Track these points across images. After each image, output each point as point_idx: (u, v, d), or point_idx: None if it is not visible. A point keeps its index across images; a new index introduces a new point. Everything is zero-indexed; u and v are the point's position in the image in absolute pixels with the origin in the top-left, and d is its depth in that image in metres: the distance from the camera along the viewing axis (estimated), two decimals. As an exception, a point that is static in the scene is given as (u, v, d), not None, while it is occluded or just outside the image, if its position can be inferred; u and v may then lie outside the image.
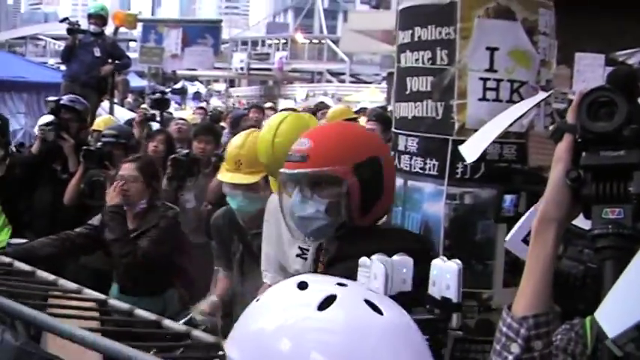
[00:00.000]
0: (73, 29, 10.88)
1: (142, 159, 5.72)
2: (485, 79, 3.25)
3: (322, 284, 1.56)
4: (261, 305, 1.55)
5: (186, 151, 6.98)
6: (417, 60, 3.40)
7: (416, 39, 3.40)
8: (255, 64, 43.03)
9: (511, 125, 3.08)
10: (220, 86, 39.29)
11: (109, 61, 11.03)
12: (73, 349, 3.66)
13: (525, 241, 2.01)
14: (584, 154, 1.75)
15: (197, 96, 28.17)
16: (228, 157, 4.58)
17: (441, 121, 3.29)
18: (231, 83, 42.30)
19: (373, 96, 29.42)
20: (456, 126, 3.27)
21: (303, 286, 1.53)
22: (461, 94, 3.27)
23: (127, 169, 5.41)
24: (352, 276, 2.33)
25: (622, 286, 1.64)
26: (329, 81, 41.78)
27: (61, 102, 7.73)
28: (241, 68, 41.32)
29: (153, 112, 9.80)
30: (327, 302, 1.48)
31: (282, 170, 2.93)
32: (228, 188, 4.53)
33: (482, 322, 3.22)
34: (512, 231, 2.02)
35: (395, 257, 1.92)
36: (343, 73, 42.83)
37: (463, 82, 3.26)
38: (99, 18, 11.18)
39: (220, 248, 4.88)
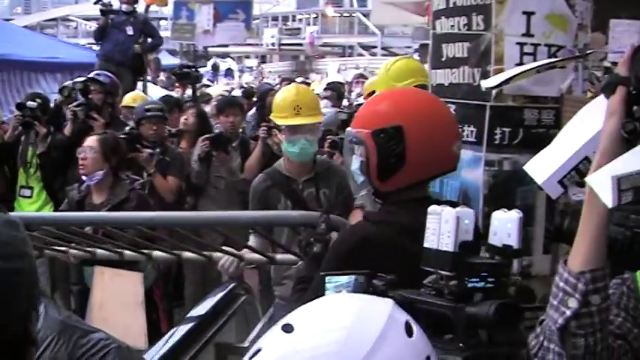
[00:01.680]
0: (106, 10, 10.93)
1: (106, 135, 5.96)
2: (522, 44, 3.22)
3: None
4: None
5: (218, 131, 6.99)
6: (452, 26, 3.38)
7: (451, 5, 3.38)
8: (286, 40, 42.83)
9: (538, 71, 3.08)
10: (252, 62, 39.19)
11: (142, 39, 11.05)
12: (116, 322, 3.71)
13: (561, 182, 1.99)
14: (636, 107, 1.73)
15: (229, 72, 28.12)
16: (284, 105, 4.96)
17: (478, 88, 3.26)
18: (263, 59, 42.23)
19: (405, 68, 29.18)
20: (494, 92, 3.23)
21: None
22: (498, 59, 3.24)
23: (89, 141, 5.74)
24: None
25: None
26: (360, 54, 41.52)
27: (87, 76, 7.84)
28: (272, 44, 41.18)
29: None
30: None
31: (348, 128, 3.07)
32: (289, 133, 4.85)
33: (522, 289, 3.21)
34: (549, 171, 1.99)
35: (458, 209, 1.92)
36: (375, 47, 42.50)
37: (500, 47, 3.23)
38: (130, -4, 11.19)
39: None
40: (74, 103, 7.44)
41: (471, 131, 3.31)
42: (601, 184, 1.68)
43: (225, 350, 4.55)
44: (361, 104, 8.02)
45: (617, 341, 1.95)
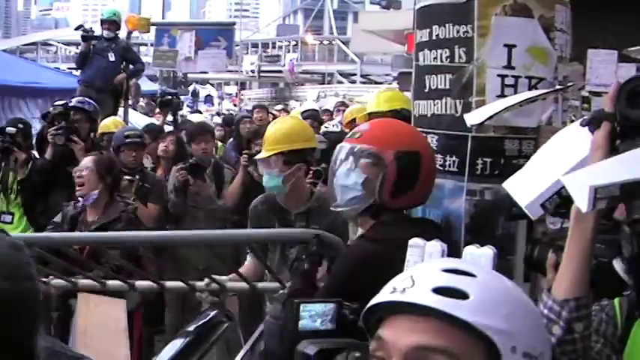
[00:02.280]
0: (88, 36, 10.93)
1: (101, 155, 6.04)
2: (503, 76, 3.28)
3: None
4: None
5: (194, 160, 6.89)
6: (435, 58, 3.44)
7: (434, 37, 3.44)
8: (266, 67, 43.05)
9: (520, 105, 3.15)
10: (231, 89, 39.33)
11: (123, 64, 11.07)
12: (99, 348, 3.71)
13: (543, 205, 2.04)
14: (619, 141, 1.79)
15: (209, 99, 28.20)
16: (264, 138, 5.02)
17: (460, 118, 3.31)
18: (242, 86, 42.33)
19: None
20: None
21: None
22: (479, 91, 3.30)
23: (85, 161, 5.85)
24: None
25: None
26: (340, 82, 41.76)
27: (70, 104, 7.83)
28: (252, 71, 41.37)
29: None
30: None
31: (340, 144, 3.29)
32: (260, 168, 5.06)
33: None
34: (532, 195, 2.04)
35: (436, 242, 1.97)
36: (354, 74, 42.82)
37: (481, 79, 3.29)
38: (112, 23, 11.22)
39: None
40: (53, 128, 7.42)
41: (453, 161, 3.36)
42: (577, 188, 1.73)
43: (206, 378, 4.56)
44: (339, 132, 8.12)
45: None
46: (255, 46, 48.16)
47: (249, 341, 5.26)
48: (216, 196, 6.86)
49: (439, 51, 3.42)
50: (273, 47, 49.93)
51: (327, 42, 49.96)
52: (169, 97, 10.22)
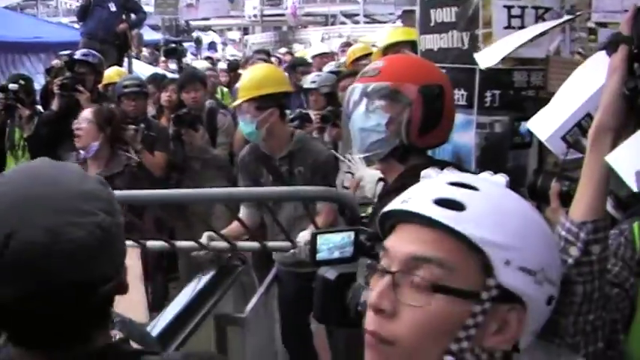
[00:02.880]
0: None
1: (100, 106, 6.00)
2: (509, 7, 3.26)
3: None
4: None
5: (185, 110, 6.81)
6: (439, -9, 3.41)
7: (439, -30, 3.41)
8: (269, 10, 42.63)
9: (531, 41, 3.11)
10: (234, 34, 39.09)
11: (124, 15, 10.98)
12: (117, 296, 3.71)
13: (564, 139, 2.04)
14: (637, 64, 1.78)
15: (212, 46, 28.04)
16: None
17: (468, 51, 3.30)
18: (245, 31, 42.05)
19: (389, 35, 29.17)
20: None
21: None
22: (486, 23, 3.28)
23: (83, 113, 5.76)
24: None
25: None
26: (343, 23, 41.41)
27: (75, 57, 7.79)
28: (254, 15, 40.97)
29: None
30: None
31: (353, 85, 3.01)
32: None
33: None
34: (551, 128, 2.04)
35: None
36: (357, 14, 42.42)
37: (487, 11, 3.27)
38: (113, -29, 11.11)
39: (245, 184, 5.12)
40: (59, 78, 7.38)
41: (462, 95, 3.36)
42: (624, 168, 1.75)
43: (224, 321, 4.59)
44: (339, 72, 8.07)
45: (614, 289, 2.02)
46: (256, -10, 47.83)
47: (264, 284, 5.31)
48: (211, 143, 6.80)
49: (444, -16, 3.39)
50: (275, -9, 49.67)
51: (329, -17, 49.62)
52: (173, 45, 10.12)
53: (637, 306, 2.09)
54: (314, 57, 11.92)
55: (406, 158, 2.91)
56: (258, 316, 4.96)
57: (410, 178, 2.65)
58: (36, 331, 1.49)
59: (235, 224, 4.81)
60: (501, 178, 1.86)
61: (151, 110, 7.62)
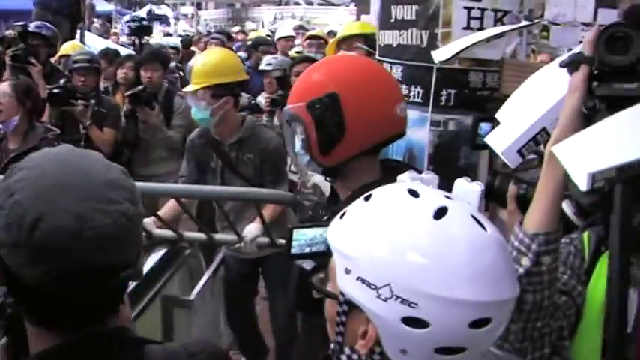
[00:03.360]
0: None
1: (19, 80, 5.87)
2: (469, 8, 3.29)
3: (432, 195, 1.64)
4: (375, 206, 1.63)
5: (141, 87, 6.73)
6: (401, -12, 3.44)
7: (400, -33, 3.43)
8: (223, -13, 42.50)
9: (487, 42, 3.17)
10: (187, 9, 38.72)
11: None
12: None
13: (520, 152, 2.09)
14: (595, 84, 1.85)
15: (164, 20, 27.75)
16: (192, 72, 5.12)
17: (426, 49, 3.33)
18: (199, 6, 41.74)
19: (342, 18, 29.24)
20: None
21: (415, 194, 1.61)
22: (445, 22, 3.31)
23: (2, 86, 5.63)
24: None
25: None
26: (297, 3, 41.30)
27: (29, 29, 7.70)
28: (208, -9, 40.80)
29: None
30: (440, 213, 1.55)
31: None
32: (189, 99, 5.18)
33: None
34: (508, 141, 2.09)
35: (415, 174, 2.02)
36: (311, -5, 42.42)
37: (448, 10, 3.31)
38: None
39: (190, 165, 5.15)
40: (11, 49, 7.31)
41: (418, 92, 3.39)
42: (571, 161, 1.79)
43: (171, 303, 4.62)
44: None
45: (562, 297, 2.09)
46: (210, -35, 47.40)
47: (211, 267, 5.33)
48: (166, 125, 6.75)
49: (405, -19, 3.42)
50: (230, -33, 49.30)
51: (285, -38, 49.42)
52: (145, 22, 9.94)
53: (583, 313, 2.15)
54: (279, 39, 11.89)
55: (344, 172, 2.73)
56: (204, 299, 4.99)
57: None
58: (57, 312, 1.56)
59: (172, 202, 4.83)
60: (477, 187, 1.91)
61: (102, 85, 7.55)
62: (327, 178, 2.83)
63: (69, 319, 1.57)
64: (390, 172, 2.59)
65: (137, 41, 9.90)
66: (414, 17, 3.39)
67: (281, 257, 4.92)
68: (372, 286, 1.52)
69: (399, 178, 1.94)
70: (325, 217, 2.80)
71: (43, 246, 1.47)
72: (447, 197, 1.63)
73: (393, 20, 3.49)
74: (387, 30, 3.54)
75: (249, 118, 5.18)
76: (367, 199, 1.64)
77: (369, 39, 5.43)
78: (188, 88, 5.03)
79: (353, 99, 2.62)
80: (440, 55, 3.20)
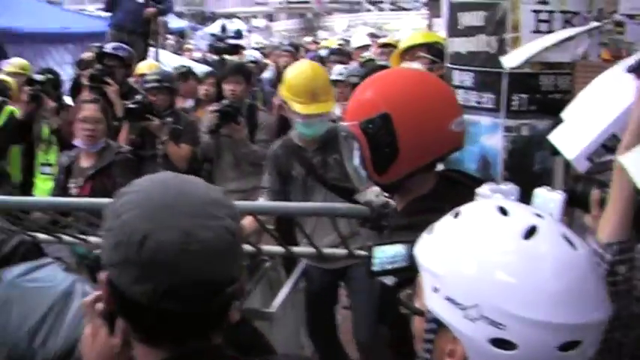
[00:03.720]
0: None
1: (99, 101, 5.98)
2: (537, 12, 3.27)
3: (522, 213, 1.62)
4: (464, 224, 1.63)
5: (227, 102, 6.69)
6: (468, -6, 3.43)
7: (466, -26, 3.43)
8: (293, -3, 42.73)
9: (557, 45, 3.13)
10: (260, 22, 39.08)
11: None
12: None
13: (589, 158, 2.07)
14: None
15: (238, 33, 27.97)
16: (299, 90, 4.99)
17: (495, 55, 3.32)
18: (270, 18, 42.09)
19: (414, 23, 29.19)
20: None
21: (504, 212, 1.61)
22: (514, 27, 3.29)
23: (91, 110, 5.71)
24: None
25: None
26: (368, 10, 41.34)
27: (105, 50, 7.85)
28: (280, 2, 41.01)
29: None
30: (530, 232, 1.54)
31: None
32: (302, 117, 4.95)
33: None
34: (578, 147, 2.07)
35: (495, 186, 2.02)
36: (382, 1, 42.36)
37: (516, 15, 3.28)
38: (139, -38, 11.15)
39: (273, 177, 5.18)
40: (88, 70, 7.45)
41: (489, 98, 3.37)
42: (636, 168, 1.77)
43: (252, 316, 4.65)
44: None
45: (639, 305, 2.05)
46: (281, -23, 47.69)
47: (291, 279, 5.36)
48: (250, 139, 6.78)
49: (472, -13, 3.41)
50: (300, -23, 49.53)
51: (355, -30, 49.44)
52: (233, 41, 9.95)
53: None
54: (356, 49, 11.93)
55: (403, 188, 2.76)
56: (285, 311, 5.02)
57: (415, 216, 2.59)
58: (165, 327, 1.61)
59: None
60: (558, 195, 1.89)
61: (180, 103, 7.63)
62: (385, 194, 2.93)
63: (176, 335, 1.62)
64: (447, 184, 2.72)
65: (218, 58, 9.88)
66: (481, 23, 3.38)
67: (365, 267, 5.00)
68: (460, 306, 1.52)
69: (478, 191, 1.93)
70: (385, 232, 2.87)
71: (151, 262, 1.53)
72: (538, 215, 1.61)
73: (460, 27, 3.48)
74: (455, 37, 3.54)
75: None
76: (456, 215, 1.65)
77: (432, 48, 5.41)
78: (321, 109, 4.98)
79: (405, 119, 2.63)
80: (510, 61, 3.19)
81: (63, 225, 4.66)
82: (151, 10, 10.81)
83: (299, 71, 5.18)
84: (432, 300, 1.57)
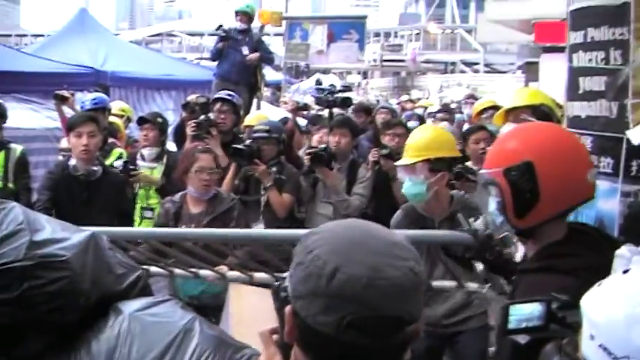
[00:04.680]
0: (227, 36, 11.10)
1: (211, 150, 6.14)
2: (659, 81, 3.29)
3: None
4: (629, 281, 1.68)
5: (322, 146, 6.85)
6: (590, 60, 3.47)
7: (589, 39, 3.47)
8: (388, 56, 42.98)
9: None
10: (354, 78, 39.47)
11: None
12: (255, 337, 3.85)
13: None
14: None
15: (333, 88, 28.20)
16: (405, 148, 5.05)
17: (616, 120, 3.35)
18: (364, 75, 42.47)
19: (509, 86, 29.12)
20: (631, 125, 3.31)
21: None
22: (635, 93, 3.31)
23: (207, 160, 5.86)
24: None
25: None
26: (462, 71, 41.46)
27: (219, 96, 8.00)
28: (374, 60, 41.35)
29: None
30: None
31: None
32: (400, 173, 5.03)
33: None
34: None
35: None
36: (477, 63, 42.44)
37: (637, 81, 3.31)
38: (245, 15, 11.39)
39: None
40: (197, 120, 7.55)
41: (608, 163, 3.39)
42: None
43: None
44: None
45: None
46: (377, 35, 48.06)
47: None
48: (346, 191, 6.83)
49: (594, 53, 3.45)
50: (395, 36, 49.99)
51: (450, 31, 49.67)
52: (345, 95, 10.01)
53: None
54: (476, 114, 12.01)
55: (534, 235, 2.88)
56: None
57: (548, 260, 2.78)
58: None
59: None
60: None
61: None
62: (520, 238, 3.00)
63: None
64: (574, 233, 2.84)
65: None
66: (602, 88, 3.41)
67: (477, 334, 4.99)
68: (612, 356, 1.57)
69: (618, 253, 1.96)
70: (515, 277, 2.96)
71: (339, 293, 1.60)
72: None
73: (581, 91, 3.52)
74: (575, 101, 3.57)
75: (455, 192, 5.17)
76: (625, 272, 1.69)
77: (537, 110, 5.41)
78: (404, 162, 4.96)
79: (547, 168, 2.77)
80: (637, 135, 3.19)
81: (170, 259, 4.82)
82: (253, 55, 11.06)
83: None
84: (587, 347, 1.62)
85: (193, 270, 4.83)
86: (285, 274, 1.75)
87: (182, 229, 5.50)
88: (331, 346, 1.63)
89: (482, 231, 3.57)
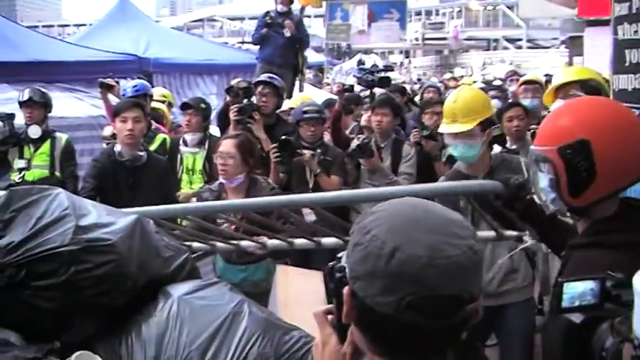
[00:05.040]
0: (272, 23, 11.15)
1: (239, 136, 5.95)
2: None
3: None
4: None
5: (365, 140, 6.88)
6: (635, 32, 3.42)
7: (634, 11, 3.42)
8: (430, 34, 42.74)
9: None
10: (396, 57, 39.31)
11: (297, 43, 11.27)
12: (303, 319, 3.86)
13: None
14: None
15: (375, 68, 28.13)
16: (445, 113, 5.06)
17: (663, 92, 3.30)
18: (406, 54, 42.27)
19: (553, 61, 28.82)
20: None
21: None
22: (683, 64, 3.27)
23: (226, 145, 5.71)
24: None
25: None
26: (505, 48, 41.12)
27: (260, 79, 7.99)
28: (416, 39, 41.14)
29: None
30: None
31: None
32: (450, 139, 5.00)
33: None
34: None
35: None
36: (520, 39, 42.05)
37: (685, 52, 3.26)
38: (286, -3, 11.42)
39: None
40: (239, 104, 7.52)
41: (656, 135, 3.34)
42: None
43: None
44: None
45: None
46: (418, 13, 47.79)
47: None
48: (392, 170, 6.83)
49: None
50: (437, 14, 49.67)
51: (492, 7, 49.20)
52: (382, 75, 10.01)
53: None
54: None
55: (588, 212, 2.83)
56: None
57: (597, 236, 2.75)
58: (407, 340, 1.64)
59: None
60: None
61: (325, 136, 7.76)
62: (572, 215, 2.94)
63: (415, 349, 1.66)
64: (628, 208, 2.79)
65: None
66: (649, 60, 3.36)
67: (524, 307, 5.05)
68: None
69: None
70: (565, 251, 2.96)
71: (398, 273, 1.59)
72: None
73: (627, 64, 3.46)
74: (621, 74, 3.52)
75: (493, 151, 5.24)
76: None
77: (585, 85, 5.36)
78: (459, 128, 4.95)
79: (603, 145, 2.70)
80: None
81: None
82: (289, 23, 11.11)
83: (450, 95, 5.34)
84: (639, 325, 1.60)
85: (234, 242, 4.84)
86: (340, 254, 1.75)
87: (226, 202, 5.46)
88: (390, 327, 1.62)
89: (515, 180, 3.54)
